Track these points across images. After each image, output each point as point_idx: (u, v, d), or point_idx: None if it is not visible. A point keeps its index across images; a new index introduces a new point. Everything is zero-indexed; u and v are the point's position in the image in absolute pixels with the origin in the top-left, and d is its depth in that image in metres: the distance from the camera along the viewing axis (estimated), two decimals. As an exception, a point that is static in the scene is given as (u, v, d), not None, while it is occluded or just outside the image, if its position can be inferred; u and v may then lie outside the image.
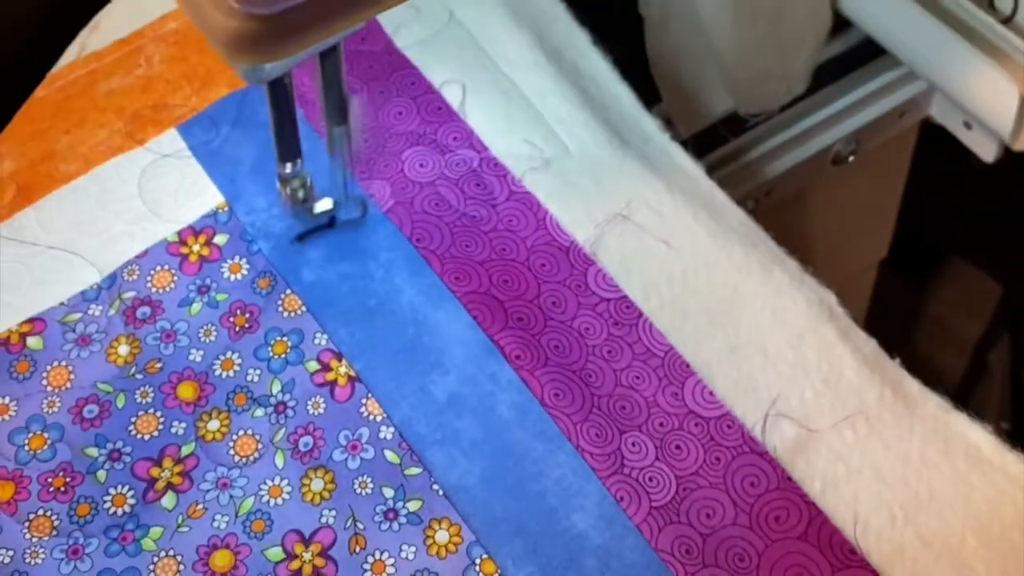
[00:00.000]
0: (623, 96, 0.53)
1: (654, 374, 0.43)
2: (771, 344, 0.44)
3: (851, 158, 0.75)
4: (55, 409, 0.41)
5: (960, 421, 0.42)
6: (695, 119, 0.72)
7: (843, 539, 0.39)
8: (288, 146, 0.44)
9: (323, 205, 0.46)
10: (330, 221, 0.47)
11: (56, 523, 0.39)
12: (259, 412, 0.41)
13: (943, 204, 0.87)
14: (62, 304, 0.44)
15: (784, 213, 0.74)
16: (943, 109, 0.72)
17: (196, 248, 0.45)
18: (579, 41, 0.55)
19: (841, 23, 0.72)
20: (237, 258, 0.45)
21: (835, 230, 0.81)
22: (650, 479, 0.40)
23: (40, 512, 0.39)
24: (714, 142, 0.72)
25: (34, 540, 0.39)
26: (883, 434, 0.42)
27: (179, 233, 0.45)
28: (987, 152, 0.69)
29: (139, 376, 0.42)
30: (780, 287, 0.45)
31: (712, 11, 0.67)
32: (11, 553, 0.39)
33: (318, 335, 0.43)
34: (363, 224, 0.47)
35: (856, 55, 0.74)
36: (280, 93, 0.42)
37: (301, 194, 0.45)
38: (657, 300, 0.45)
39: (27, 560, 0.38)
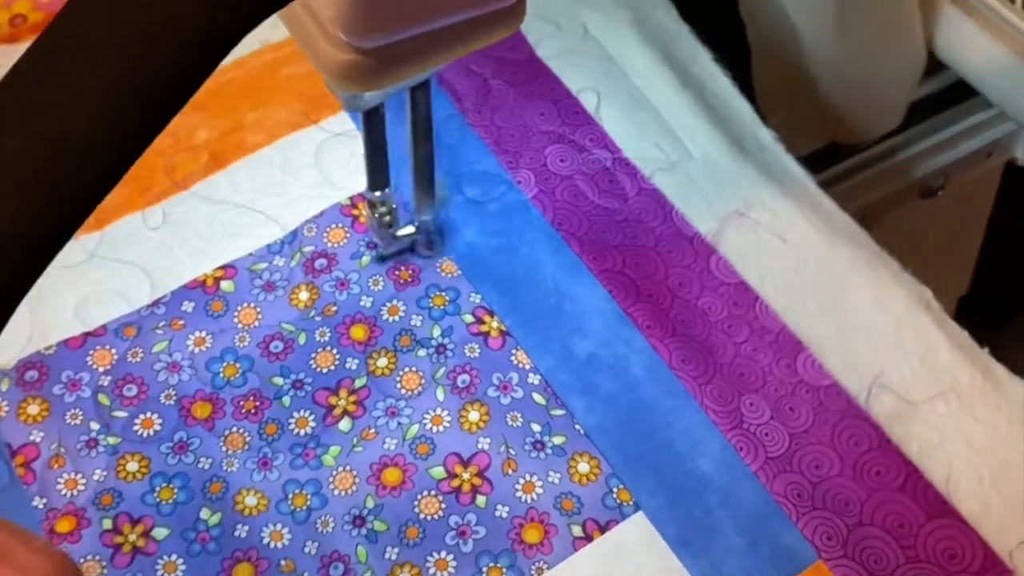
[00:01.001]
0: (742, 109, 0.62)
1: (769, 348, 0.50)
2: (874, 328, 0.51)
3: (939, 192, 0.82)
4: (245, 344, 0.50)
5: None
6: (795, 147, 0.81)
7: (936, 493, 0.46)
8: (378, 174, 0.49)
9: (405, 231, 0.53)
10: (411, 246, 0.54)
11: (248, 439, 0.48)
12: (422, 352, 0.50)
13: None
14: (250, 255, 0.53)
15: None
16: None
17: (366, 212, 0.54)
18: (702, 58, 0.64)
19: (935, 65, 0.80)
20: (400, 225, 0.54)
21: (917, 262, 0.88)
22: (766, 434, 0.48)
23: (234, 430, 0.48)
24: (812, 169, 0.81)
25: (229, 452, 0.47)
26: (973, 409, 0.49)
27: (351, 198, 0.54)
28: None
29: (317, 318, 0.51)
30: (882, 280, 0.53)
31: (815, 43, 0.75)
32: (210, 460, 0.47)
33: (472, 295, 0.52)
34: (438, 255, 0.53)
35: (948, 95, 0.83)
36: (375, 123, 0.47)
37: (387, 219, 0.52)
38: (772, 287, 0.53)
39: (224, 467, 0.47)
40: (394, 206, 0.52)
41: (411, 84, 0.46)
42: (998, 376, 0.51)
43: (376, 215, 0.51)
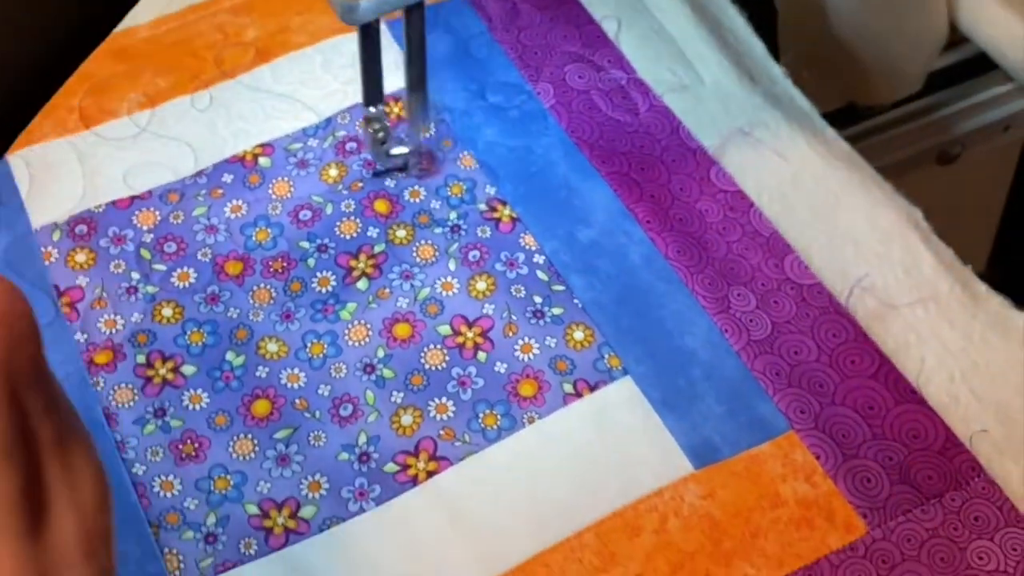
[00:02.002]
0: (756, 46, 0.66)
1: (759, 248, 0.55)
2: (862, 239, 0.56)
3: (957, 160, 0.86)
4: (277, 212, 0.55)
5: (1020, 317, 0.53)
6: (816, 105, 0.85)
7: (907, 383, 0.50)
8: (373, 89, 0.52)
9: (399, 150, 0.56)
10: (404, 165, 0.57)
11: (273, 295, 0.53)
12: (438, 230, 0.55)
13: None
14: (287, 135, 0.58)
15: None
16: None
17: (396, 110, 0.59)
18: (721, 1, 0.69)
19: (957, 38, 0.84)
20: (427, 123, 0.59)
21: (935, 228, 0.92)
22: (750, 320, 0.52)
23: (261, 286, 0.53)
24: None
25: (255, 305, 0.52)
26: (950, 316, 0.53)
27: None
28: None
29: (344, 192, 0.56)
30: (876, 199, 0.57)
31: (841, 5, 0.80)
32: (238, 311, 0.52)
33: (488, 186, 0.57)
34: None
35: (968, 67, 0.86)
36: (370, 37, 0.49)
37: (381, 135, 0.54)
38: (768, 197, 0.58)
39: (250, 317, 0.52)
40: (388, 123, 0.55)
41: (407, 2, 0.48)
42: (977, 290, 0.55)
43: (371, 131, 0.54)
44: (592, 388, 0.50)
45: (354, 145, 0.58)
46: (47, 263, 0.54)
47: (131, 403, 0.50)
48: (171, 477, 0.48)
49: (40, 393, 0.24)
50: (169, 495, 0.47)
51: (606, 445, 0.49)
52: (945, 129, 0.88)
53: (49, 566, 0.23)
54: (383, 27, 0.58)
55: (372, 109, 0.53)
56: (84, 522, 0.24)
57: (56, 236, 0.55)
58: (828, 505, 0.47)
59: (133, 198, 0.56)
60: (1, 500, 0.22)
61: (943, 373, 0.52)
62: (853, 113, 0.88)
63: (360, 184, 0.57)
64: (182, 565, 0.46)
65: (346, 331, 0.52)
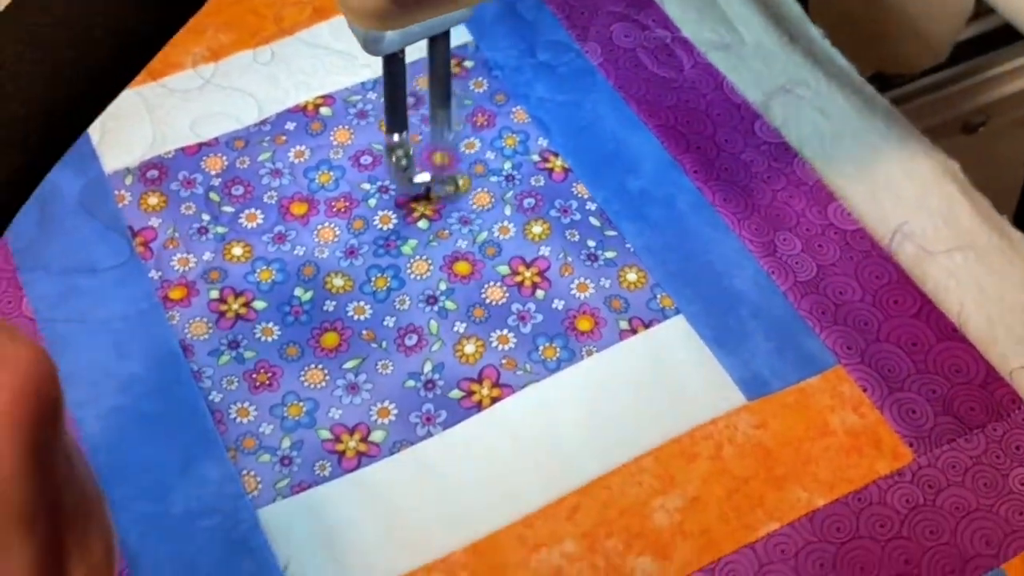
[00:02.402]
0: (793, 7, 0.68)
1: (803, 196, 0.57)
2: (902, 190, 0.58)
3: (981, 129, 0.88)
4: (339, 156, 0.57)
5: (1053, 264, 0.55)
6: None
7: (948, 321, 0.52)
8: (397, 118, 0.52)
9: (421, 177, 0.56)
10: (427, 192, 0.57)
11: (337, 232, 0.55)
12: (494, 178, 0.57)
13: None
14: (346, 88, 0.60)
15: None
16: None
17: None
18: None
19: (982, 9, 0.86)
20: (480, 78, 0.61)
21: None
22: (796, 263, 0.54)
23: (325, 224, 0.55)
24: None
25: (320, 243, 0.54)
26: (988, 262, 0.55)
27: (438, 53, 0.62)
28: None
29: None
30: (914, 153, 0.59)
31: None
32: (304, 249, 0.54)
33: (540, 139, 0.59)
34: (458, 199, 0.56)
35: (993, 38, 0.88)
36: (395, 68, 0.50)
37: (404, 163, 0.55)
38: (810, 150, 0.60)
39: (316, 255, 0.54)
40: (411, 151, 0.55)
41: (431, 33, 0.49)
42: (1014, 237, 0.57)
43: (393, 158, 0.54)
44: (646, 325, 0.52)
45: (411, 100, 0.60)
46: (120, 205, 0.56)
47: (206, 336, 0.52)
48: (246, 404, 0.50)
49: (61, 461, 0.24)
50: (245, 421, 0.49)
51: (661, 378, 0.51)
52: (969, 99, 0.90)
53: None
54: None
55: (395, 137, 0.54)
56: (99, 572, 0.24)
57: (128, 180, 0.57)
58: (875, 434, 0.50)
59: (200, 145, 0.58)
60: (19, 571, 0.23)
61: (981, 315, 0.54)
62: (881, 82, 0.90)
63: (418, 137, 0.58)
64: (260, 486, 0.48)
65: (408, 265, 0.54)
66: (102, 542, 0.25)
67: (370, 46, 0.46)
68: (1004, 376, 0.51)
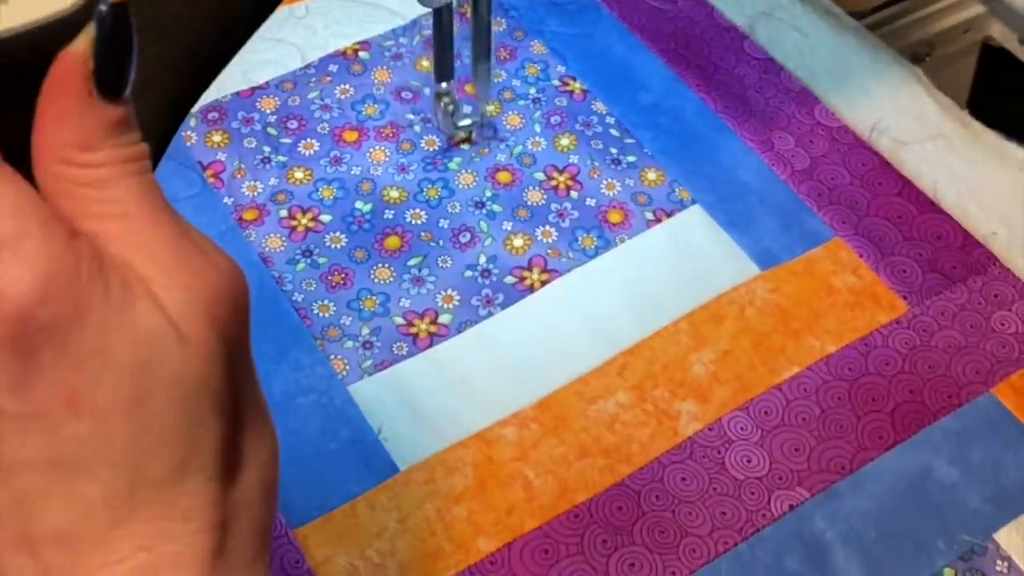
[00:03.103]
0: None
1: (792, 101, 0.64)
2: (875, 93, 0.65)
3: (927, 58, 0.96)
4: (381, 92, 0.64)
5: (1012, 146, 0.63)
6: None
7: (927, 198, 0.60)
8: (445, 67, 0.57)
9: (465, 121, 0.61)
10: (468, 137, 0.62)
11: (388, 154, 0.61)
12: (521, 102, 0.64)
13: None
14: (380, 35, 0.67)
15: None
16: (1003, 30, 0.93)
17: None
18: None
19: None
20: (499, 18, 0.68)
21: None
22: (792, 156, 0.61)
23: (376, 148, 0.62)
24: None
25: (374, 163, 0.61)
26: (955, 149, 0.63)
27: (461, 3, 0.68)
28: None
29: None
30: (882, 61, 0.67)
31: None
32: (359, 168, 0.61)
33: (558, 66, 0.66)
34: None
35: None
36: (444, 19, 0.54)
37: (451, 108, 0.60)
38: (793, 63, 0.67)
39: (371, 173, 0.60)
40: (457, 97, 0.60)
41: None
42: (976, 128, 0.65)
43: (441, 104, 0.59)
44: (668, 215, 0.59)
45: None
46: (188, 144, 0.62)
47: (281, 248, 0.58)
48: (326, 301, 0.56)
49: (246, 361, 0.26)
50: (326, 315, 0.55)
51: (686, 256, 0.58)
52: (917, 31, 0.99)
53: (235, 509, 0.25)
54: None
55: (443, 84, 0.58)
56: (264, 474, 0.26)
57: (192, 123, 0.63)
58: (874, 292, 0.57)
59: (254, 89, 0.64)
60: (208, 449, 0.24)
61: (954, 192, 0.62)
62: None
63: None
64: (347, 367, 0.54)
65: (456, 178, 0.61)
66: (271, 442, 0.27)
67: (424, 0, 0.51)
68: (979, 239, 0.59)
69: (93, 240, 0.23)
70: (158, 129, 0.35)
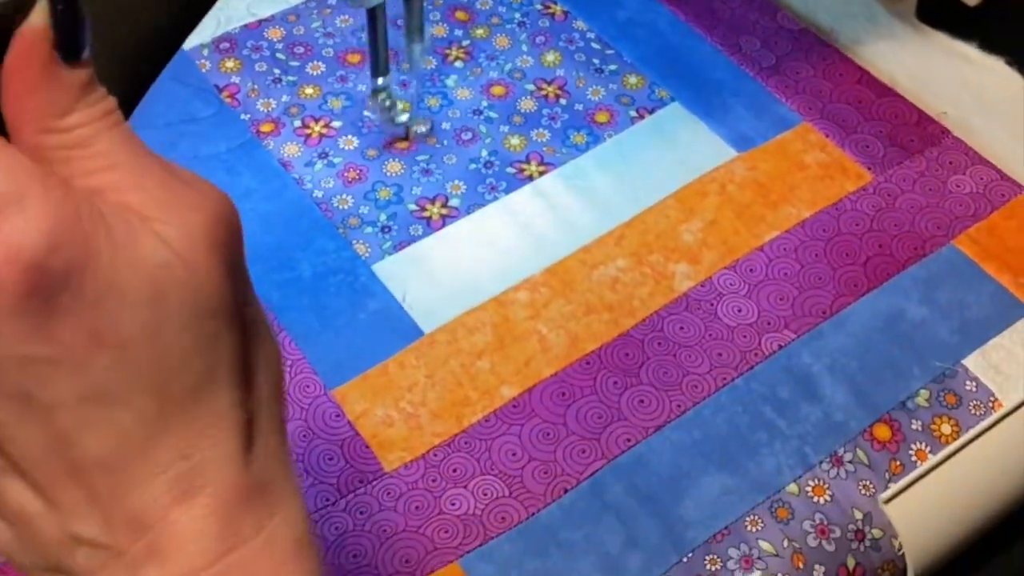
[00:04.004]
0: None
1: (755, 9, 0.71)
2: (831, 3, 0.71)
3: None
4: (378, 20, 0.69)
5: (958, 44, 0.69)
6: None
7: (883, 84, 0.66)
8: (380, 63, 0.59)
9: (403, 117, 0.63)
10: (406, 131, 0.64)
11: (389, 72, 0.66)
12: (508, 26, 0.70)
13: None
14: (373, -29, 0.72)
15: None
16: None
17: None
18: None
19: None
20: (479, -45, 0.74)
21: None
22: (759, 55, 0.68)
23: (377, 69, 0.66)
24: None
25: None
26: (907, 47, 0.69)
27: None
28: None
29: (429, 6, 0.70)
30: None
31: None
32: (364, 85, 0.66)
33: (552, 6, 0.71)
34: (431, 135, 0.63)
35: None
36: (377, 18, 0.56)
37: (388, 103, 0.61)
38: None
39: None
40: (393, 94, 0.62)
41: None
42: (923, 28, 0.71)
43: (378, 100, 0.62)
44: (650, 112, 0.65)
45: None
46: (203, 71, 0.67)
47: (299, 153, 0.63)
48: (344, 195, 0.61)
49: (245, 281, 0.27)
50: (345, 207, 0.60)
51: (669, 145, 0.64)
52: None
53: (256, 406, 0.27)
54: None
55: (380, 81, 0.60)
56: (273, 373, 0.28)
57: (205, 52, 0.67)
58: (841, 165, 0.63)
59: (260, 21, 0.69)
60: (224, 356, 0.26)
61: (908, 81, 0.68)
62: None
63: (440, 1, 0.71)
64: (369, 250, 0.59)
65: (453, 93, 0.66)
66: (274, 346, 0.29)
67: (354, 0, 0.54)
68: (933, 116, 0.65)
69: (91, 194, 0.25)
70: (122, 85, 0.37)
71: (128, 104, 0.37)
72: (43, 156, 0.25)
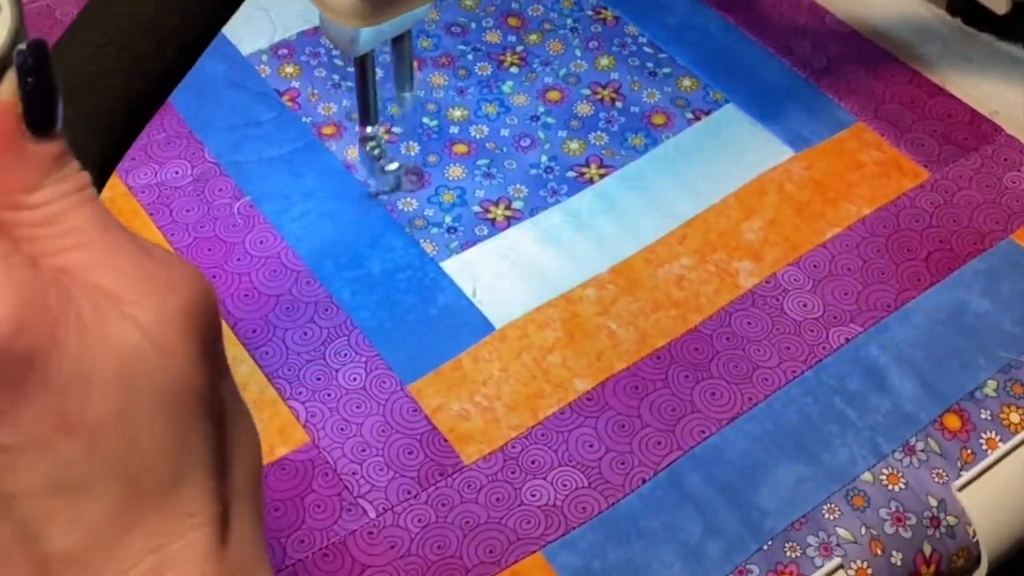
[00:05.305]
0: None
1: (804, 12, 0.73)
2: (877, 5, 0.73)
3: None
4: (432, 27, 0.72)
5: (1004, 44, 0.71)
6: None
7: (935, 84, 0.68)
8: (370, 112, 0.59)
9: (392, 167, 0.63)
10: (397, 183, 0.64)
11: (446, 79, 0.69)
12: (561, 31, 0.72)
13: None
14: (425, -20, 0.74)
15: None
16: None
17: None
18: None
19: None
20: (528, -36, 0.76)
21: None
22: (811, 58, 0.70)
23: (435, 74, 0.69)
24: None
25: (435, 86, 0.68)
26: (950, 49, 0.71)
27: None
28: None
29: (482, 14, 0.73)
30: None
31: None
32: (422, 91, 0.67)
33: (588, -1, 0.74)
34: (421, 187, 0.63)
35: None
36: (366, 67, 0.57)
37: (376, 152, 0.62)
38: (800, -10, 0.76)
39: (433, 95, 0.67)
40: (383, 142, 0.62)
41: (399, 31, 0.56)
42: (968, 31, 0.73)
43: (367, 149, 0.62)
44: (706, 113, 0.67)
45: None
46: (263, 76, 0.69)
47: (359, 157, 0.64)
48: (408, 198, 0.62)
49: (222, 364, 0.27)
50: (410, 210, 0.62)
51: (726, 146, 0.65)
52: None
53: (232, 497, 0.27)
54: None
55: (368, 129, 0.61)
56: (251, 462, 0.28)
57: (264, 58, 0.69)
58: (897, 163, 0.64)
59: (315, 28, 0.71)
60: (200, 450, 0.26)
61: (958, 82, 0.70)
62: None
63: (492, 8, 0.73)
64: (436, 249, 0.60)
65: (510, 99, 0.68)
66: (252, 432, 0.28)
67: (347, 47, 0.54)
68: (985, 115, 0.67)
69: (59, 274, 0.24)
70: (96, 156, 0.37)
71: (105, 169, 0.37)
72: (10, 233, 0.24)
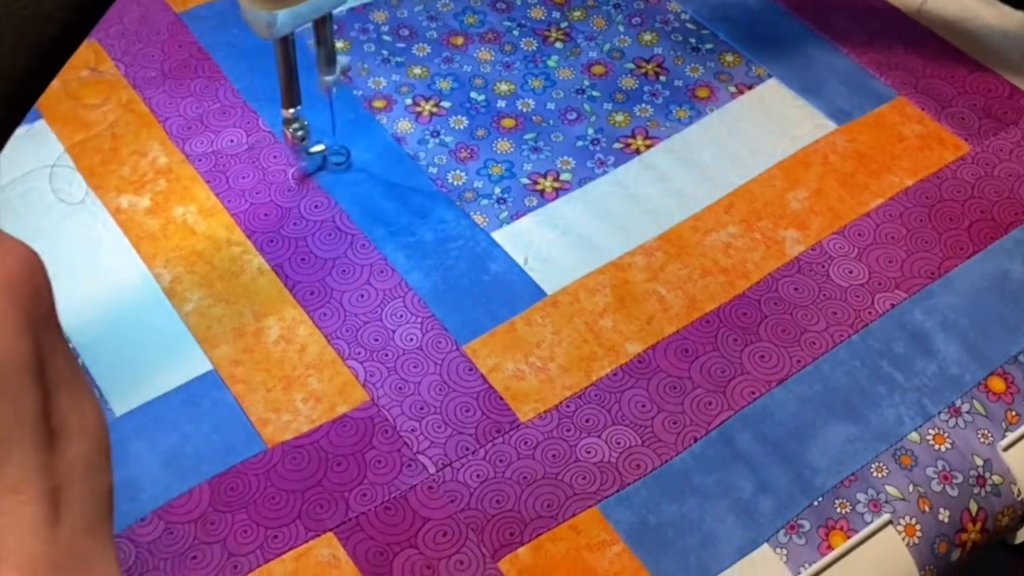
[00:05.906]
0: None
1: (844, -3, 0.74)
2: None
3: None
4: (479, 4, 0.73)
5: None
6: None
7: (974, 60, 0.69)
8: (291, 94, 0.59)
9: (317, 148, 0.64)
10: (323, 164, 0.65)
11: (492, 54, 0.70)
12: (604, 7, 0.73)
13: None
14: (469, -42, 0.76)
15: None
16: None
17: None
18: None
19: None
20: (570, -57, 0.78)
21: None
22: (854, 33, 0.71)
23: (481, 50, 0.71)
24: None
25: (481, 61, 0.70)
26: (993, 27, 0.72)
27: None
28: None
29: (527, -11, 0.74)
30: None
31: None
32: (469, 66, 0.70)
33: (629, -22, 0.75)
34: (348, 168, 0.63)
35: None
36: (287, 49, 0.57)
37: (300, 134, 0.62)
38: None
39: (481, 70, 0.69)
40: (306, 123, 0.62)
41: (318, 14, 0.56)
42: (1005, 10, 0.75)
43: (291, 131, 0.62)
44: (749, 88, 0.69)
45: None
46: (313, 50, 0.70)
47: (411, 130, 0.66)
48: (458, 171, 0.64)
49: (52, 336, 0.27)
50: (460, 183, 0.64)
51: (770, 119, 0.67)
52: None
53: (61, 478, 0.26)
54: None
55: (291, 111, 0.61)
56: (91, 441, 0.27)
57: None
58: (939, 136, 0.66)
59: (364, 4, 0.73)
60: (24, 415, 0.25)
61: (999, 57, 0.71)
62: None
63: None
64: (486, 220, 0.62)
65: (555, 73, 0.70)
66: (94, 411, 0.28)
67: (265, 30, 0.54)
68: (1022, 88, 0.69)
69: None
70: None
71: None
72: None
